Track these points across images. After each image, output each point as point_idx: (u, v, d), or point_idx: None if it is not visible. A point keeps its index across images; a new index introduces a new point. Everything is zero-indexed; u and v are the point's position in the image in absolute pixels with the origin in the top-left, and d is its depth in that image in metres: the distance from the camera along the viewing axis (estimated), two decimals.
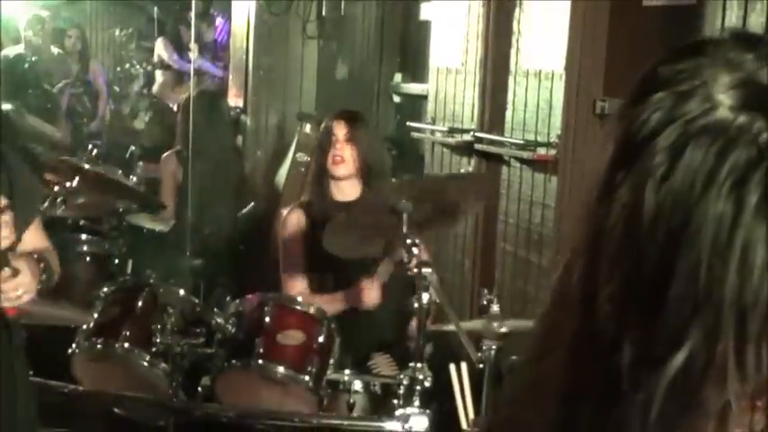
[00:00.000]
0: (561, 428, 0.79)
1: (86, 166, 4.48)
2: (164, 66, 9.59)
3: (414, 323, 3.56)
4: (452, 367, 3.73)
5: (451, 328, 3.36)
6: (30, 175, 2.55)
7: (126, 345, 3.56)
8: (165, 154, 6.00)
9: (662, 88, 0.75)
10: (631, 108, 0.76)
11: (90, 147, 5.97)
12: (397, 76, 7.20)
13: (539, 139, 4.68)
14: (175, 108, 7.45)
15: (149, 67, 9.86)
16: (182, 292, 3.70)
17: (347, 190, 4.13)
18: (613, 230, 0.74)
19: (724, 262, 0.69)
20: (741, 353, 0.70)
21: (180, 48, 9.49)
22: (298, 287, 4.06)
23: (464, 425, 3.60)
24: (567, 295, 0.80)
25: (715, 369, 0.71)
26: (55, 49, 8.30)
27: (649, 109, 0.74)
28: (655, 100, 0.75)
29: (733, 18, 3.43)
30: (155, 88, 9.58)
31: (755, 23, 3.35)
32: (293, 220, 4.16)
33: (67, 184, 4.34)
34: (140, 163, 7.33)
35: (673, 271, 0.71)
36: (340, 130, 4.13)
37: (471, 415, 3.59)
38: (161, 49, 9.60)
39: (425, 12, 6.71)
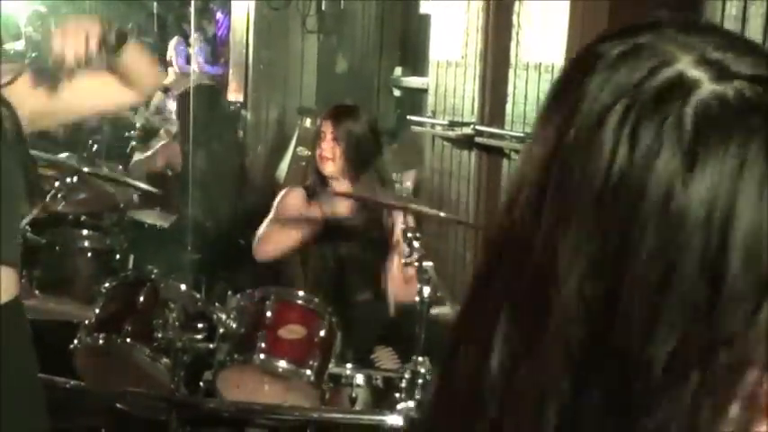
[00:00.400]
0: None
1: (85, 169, 4.46)
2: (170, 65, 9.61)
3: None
4: None
5: (452, 318, 3.36)
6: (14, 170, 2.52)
7: (128, 340, 3.56)
8: (163, 143, 5.94)
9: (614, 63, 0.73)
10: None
11: (90, 143, 5.97)
12: (398, 70, 7.20)
13: None
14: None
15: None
16: (183, 287, 3.70)
17: (338, 187, 4.14)
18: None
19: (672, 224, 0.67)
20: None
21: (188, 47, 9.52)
22: (283, 237, 4.12)
23: None
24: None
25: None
26: None
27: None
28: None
29: (733, 11, 3.43)
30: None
31: (755, 16, 3.35)
32: (294, 194, 4.21)
33: (68, 179, 4.34)
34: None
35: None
36: (327, 128, 4.16)
37: None
38: (171, 49, 9.61)
39: (425, 5, 6.71)
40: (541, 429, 0.72)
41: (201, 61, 9.33)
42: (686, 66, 0.71)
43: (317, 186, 4.18)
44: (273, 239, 4.13)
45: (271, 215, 4.21)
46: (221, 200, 6.06)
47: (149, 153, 6.44)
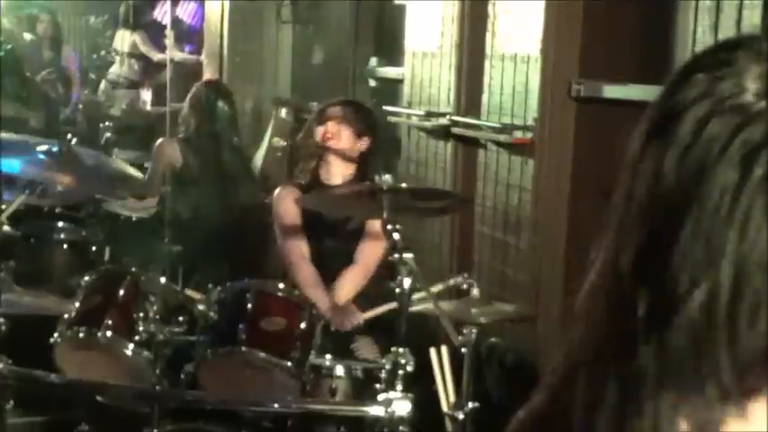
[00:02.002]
0: (585, 390, 0.83)
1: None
2: (136, 56, 9.56)
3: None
4: (433, 351, 3.76)
5: (431, 311, 3.38)
6: None
7: (108, 333, 3.56)
8: (163, 139, 5.84)
9: (700, 71, 0.81)
10: (669, 88, 0.82)
11: (69, 135, 5.95)
12: (373, 60, 7.20)
13: (515, 122, 4.70)
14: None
15: (125, 55, 9.83)
16: (163, 279, 3.71)
17: (334, 170, 4.20)
18: (637, 197, 0.81)
19: (725, 227, 0.75)
20: (733, 316, 0.75)
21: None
22: (297, 251, 4.17)
23: (445, 408, 3.64)
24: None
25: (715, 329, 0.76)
26: (28, 36, 8.26)
27: (686, 88, 0.80)
28: (693, 80, 0.80)
29: (707, 1, 3.46)
30: (120, 73, 9.53)
31: (729, 3, 3.38)
32: (287, 193, 4.23)
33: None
34: (116, 149, 7.32)
35: (680, 234, 0.77)
36: (333, 111, 4.27)
37: (452, 398, 3.62)
38: (140, 42, 9.56)
39: None
40: None
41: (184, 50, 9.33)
42: None
43: (307, 178, 4.22)
44: (294, 253, 4.17)
45: (276, 230, 4.26)
46: (198, 190, 6.03)
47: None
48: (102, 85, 9.70)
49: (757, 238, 0.74)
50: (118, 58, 9.68)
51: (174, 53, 7.43)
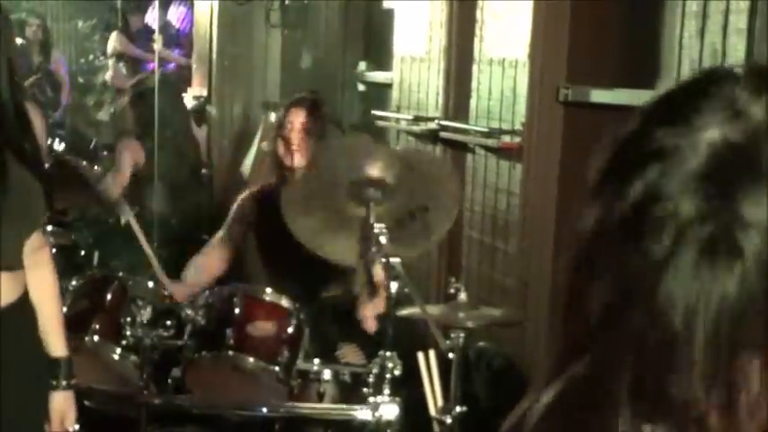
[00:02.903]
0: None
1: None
2: (119, 56, 9.53)
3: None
4: (420, 355, 3.76)
5: (419, 315, 3.39)
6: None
7: (96, 338, 3.56)
8: (122, 139, 5.87)
9: (663, 124, 0.81)
10: (631, 135, 0.84)
11: (57, 139, 5.95)
12: (362, 65, 7.21)
13: (503, 126, 4.72)
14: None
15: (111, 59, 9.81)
16: (150, 284, 3.71)
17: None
18: (587, 228, 0.84)
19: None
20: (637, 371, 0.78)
21: (131, 37, 9.45)
22: (212, 260, 4.20)
23: (432, 412, 3.64)
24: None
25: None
26: (18, 40, 8.25)
27: (646, 141, 0.81)
28: (653, 136, 0.81)
29: (693, 6, 3.47)
30: (108, 78, 9.51)
31: (715, 12, 3.39)
32: (245, 204, 4.21)
33: None
34: (105, 153, 7.31)
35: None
36: (297, 118, 4.06)
37: (440, 402, 3.63)
38: (117, 42, 9.53)
39: (388, 0, 6.72)
40: None
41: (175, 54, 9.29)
42: None
43: (280, 184, 4.10)
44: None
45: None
46: (186, 195, 6.05)
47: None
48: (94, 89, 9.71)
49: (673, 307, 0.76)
50: (110, 62, 9.66)
51: (164, 53, 7.42)
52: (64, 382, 2.82)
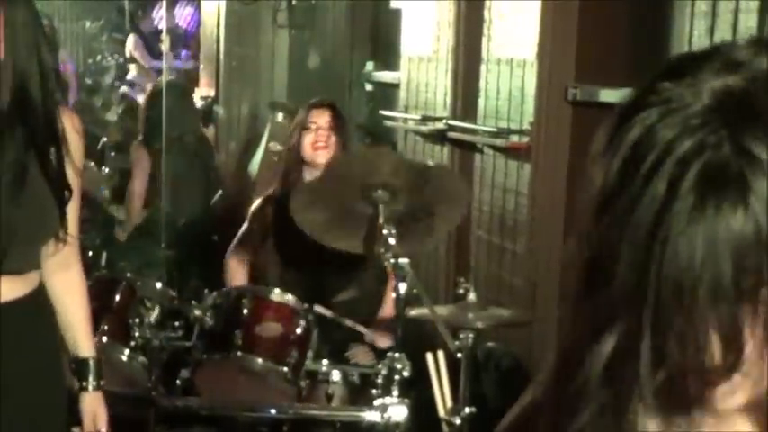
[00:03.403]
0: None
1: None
2: (135, 60, 9.57)
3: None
4: (429, 356, 3.75)
5: (428, 315, 3.38)
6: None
7: (104, 339, 3.56)
8: (135, 142, 5.96)
9: (668, 79, 0.81)
10: (638, 91, 0.83)
11: None
12: (369, 65, 7.20)
13: (511, 126, 4.70)
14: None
15: (120, 59, 9.83)
16: (159, 284, 3.71)
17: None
18: (591, 200, 0.82)
19: (649, 240, 0.76)
20: (656, 340, 0.76)
21: (145, 41, 9.48)
22: (239, 275, 4.22)
23: (441, 413, 3.63)
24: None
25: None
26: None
27: (650, 94, 0.81)
28: (659, 87, 0.80)
29: (703, 6, 3.46)
30: (130, 79, 9.56)
31: (725, 11, 3.38)
32: (261, 211, 4.20)
33: None
34: (112, 154, 7.32)
35: (618, 244, 0.77)
36: (321, 118, 4.16)
37: (449, 403, 3.62)
38: (132, 47, 9.57)
39: (396, 0, 6.71)
40: None
41: (182, 56, 9.32)
42: None
43: (285, 189, 4.12)
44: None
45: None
46: (191, 195, 6.04)
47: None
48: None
49: (677, 255, 0.74)
50: (132, 66, 9.72)
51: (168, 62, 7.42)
52: (94, 383, 2.81)
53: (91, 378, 2.80)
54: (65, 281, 2.75)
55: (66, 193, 2.57)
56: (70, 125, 2.59)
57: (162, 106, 5.69)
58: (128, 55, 9.69)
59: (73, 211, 2.65)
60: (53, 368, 2.73)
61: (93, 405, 2.82)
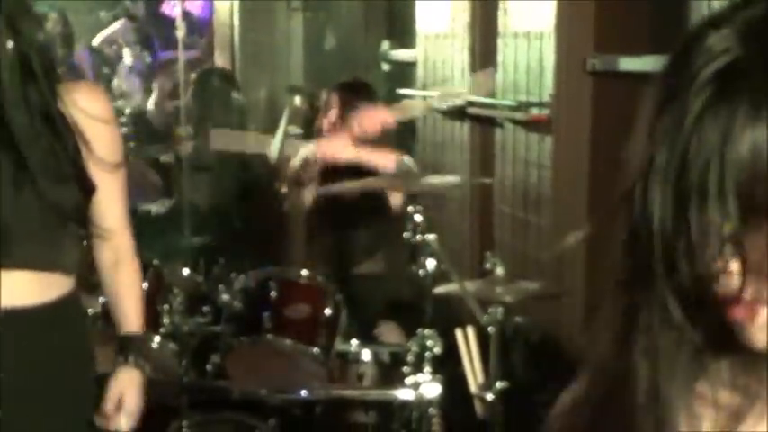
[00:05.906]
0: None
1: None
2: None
3: None
4: (458, 332, 3.75)
5: (457, 291, 3.37)
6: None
7: None
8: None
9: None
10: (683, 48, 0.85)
11: None
12: (385, 44, 7.17)
13: (531, 99, 4.68)
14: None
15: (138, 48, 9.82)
16: (186, 271, 3.71)
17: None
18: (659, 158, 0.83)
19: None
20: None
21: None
22: None
23: (473, 389, 3.63)
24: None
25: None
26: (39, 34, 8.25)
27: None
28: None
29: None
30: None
31: None
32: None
33: None
34: (132, 145, 7.31)
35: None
36: (337, 99, 4.29)
37: (480, 379, 3.61)
38: (121, 33, 9.57)
39: None
40: None
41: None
42: None
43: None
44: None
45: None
46: (217, 182, 6.05)
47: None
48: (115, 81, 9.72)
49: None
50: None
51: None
52: (131, 358, 2.56)
53: (132, 355, 2.58)
54: (117, 274, 2.69)
55: (86, 185, 2.40)
56: (85, 115, 2.35)
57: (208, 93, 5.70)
58: (119, 40, 9.64)
59: (114, 204, 2.56)
60: (74, 399, 2.52)
61: (123, 381, 2.57)
